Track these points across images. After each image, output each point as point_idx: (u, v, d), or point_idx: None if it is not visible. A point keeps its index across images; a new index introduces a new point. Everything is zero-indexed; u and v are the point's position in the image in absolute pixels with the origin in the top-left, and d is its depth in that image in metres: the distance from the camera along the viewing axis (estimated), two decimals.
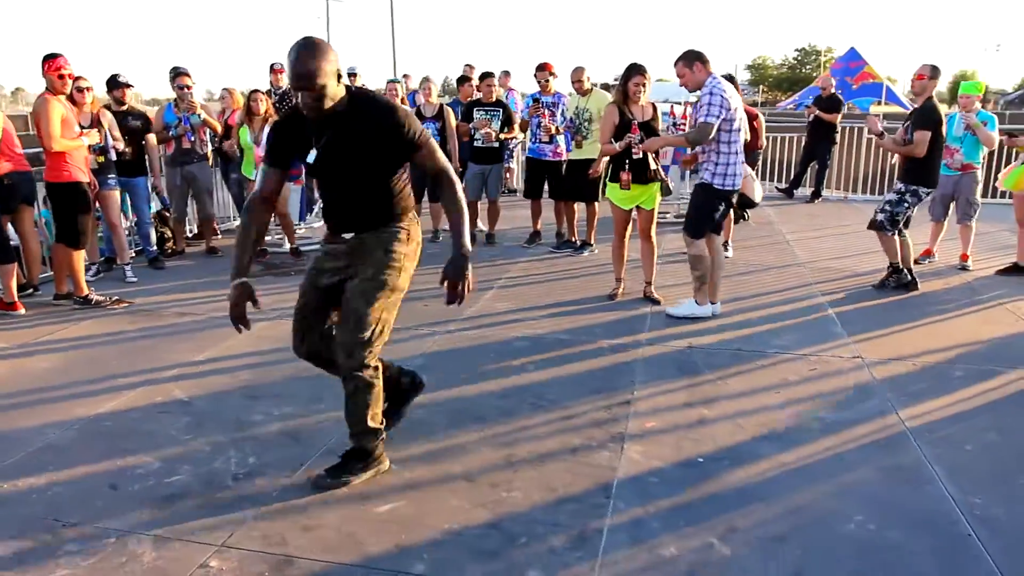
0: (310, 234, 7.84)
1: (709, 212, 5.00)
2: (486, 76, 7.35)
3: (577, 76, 6.76)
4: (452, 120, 7.43)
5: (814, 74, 61.40)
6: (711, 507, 2.85)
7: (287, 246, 7.31)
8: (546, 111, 7.06)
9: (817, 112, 9.87)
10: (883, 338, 4.75)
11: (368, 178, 2.88)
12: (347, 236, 2.97)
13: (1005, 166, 6.89)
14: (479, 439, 3.40)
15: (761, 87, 67.06)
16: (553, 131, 7.08)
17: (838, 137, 10.15)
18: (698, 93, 4.97)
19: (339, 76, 2.73)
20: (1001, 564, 2.49)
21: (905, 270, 5.73)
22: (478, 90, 7.88)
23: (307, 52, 2.63)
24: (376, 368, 2.96)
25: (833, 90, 10.17)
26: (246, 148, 6.66)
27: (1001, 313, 5.27)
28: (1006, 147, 6.91)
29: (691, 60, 4.82)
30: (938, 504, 2.87)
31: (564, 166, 7.13)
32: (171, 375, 4.16)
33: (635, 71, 5.16)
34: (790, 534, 2.68)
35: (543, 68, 7.04)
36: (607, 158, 5.44)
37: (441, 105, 7.48)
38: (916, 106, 5.71)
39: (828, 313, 5.28)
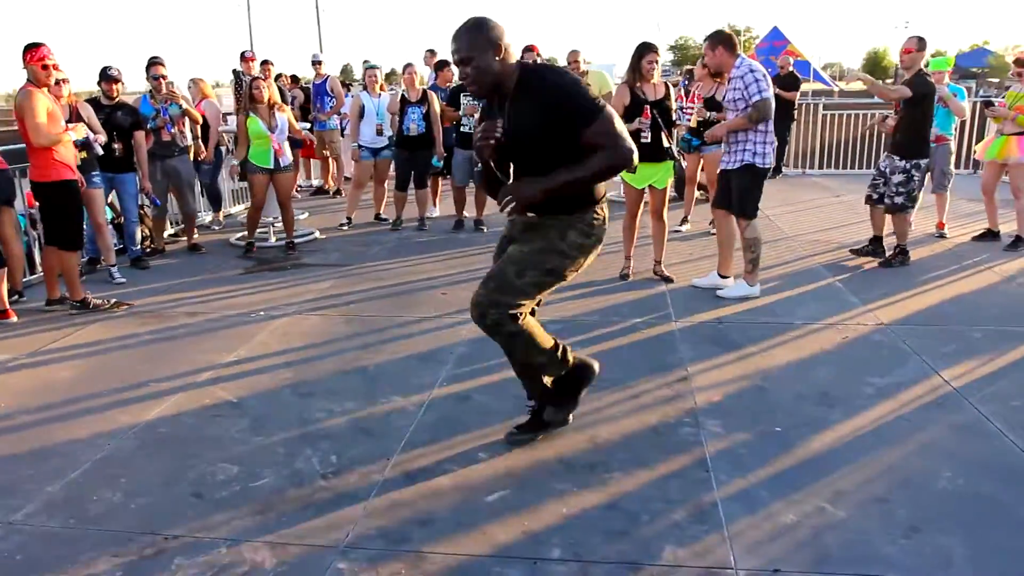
0: (308, 227, 7.59)
1: (757, 191, 5.04)
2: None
3: (573, 58, 6.78)
4: (436, 105, 7.34)
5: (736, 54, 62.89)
6: (808, 473, 2.93)
7: (272, 240, 7.09)
8: None
9: (777, 90, 10.12)
10: (896, 304, 4.96)
11: (541, 159, 2.76)
12: (531, 215, 2.90)
13: (976, 139, 7.26)
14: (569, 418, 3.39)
15: (684, 67, 68.30)
16: None
17: (796, 114, 10.48)
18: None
19: (503, 51, 2.71)
20: None
21: (873, 244, 6.02)
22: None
23: (463, 28, 2.71)
24: (516, 318, 2.86)
25: (791, 68, 10.47)
26: (255, 137, 6.37)
27: (990, 276, 5.58)
28: (977, 118, 7.26)
29: (716, 43, 4.88)
30: (1013, 457, 3.03)
31: None
32: (208, 377, 3.99)
33: (648, 48, 5.20)
34: (891, 494, 2.78)
35: (530, 50, 7.02)
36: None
37: (425, 90, 7.36)
38: (907, 77, 5.87)
39: (834, 283, 5.48)
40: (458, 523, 2.66)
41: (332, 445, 3.24)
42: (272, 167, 6.47)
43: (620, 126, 2.72)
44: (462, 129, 7.30)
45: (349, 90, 11.23)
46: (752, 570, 2.38)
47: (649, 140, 5.15)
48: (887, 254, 5.95)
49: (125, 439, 3.33)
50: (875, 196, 6.05)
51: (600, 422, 3.39)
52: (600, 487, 2.87)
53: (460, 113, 7.21)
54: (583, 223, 2.90)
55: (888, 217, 5.98)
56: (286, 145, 6.62)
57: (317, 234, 7.35)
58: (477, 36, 2.70)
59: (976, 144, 7.63)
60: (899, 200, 5.82)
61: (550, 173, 2.71)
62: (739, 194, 5.07)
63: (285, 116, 6.66)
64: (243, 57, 7.83)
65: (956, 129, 6.70)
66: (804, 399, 3.59)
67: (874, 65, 64.18)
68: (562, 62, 7.87)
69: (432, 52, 10.40)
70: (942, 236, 6.72)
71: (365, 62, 11.09)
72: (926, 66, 5.77)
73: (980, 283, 5.43)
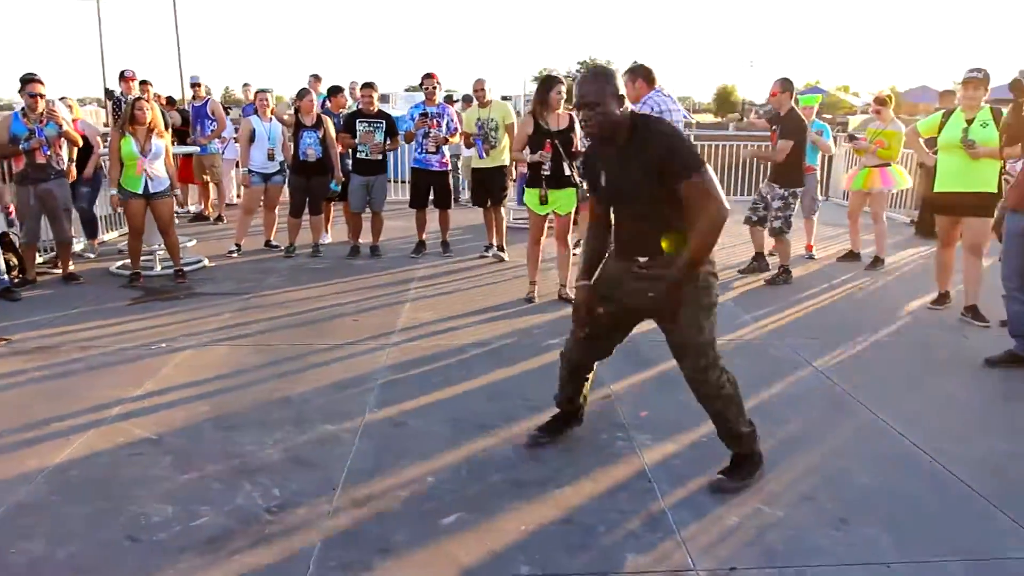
0: (195, 255, 7.20)
1: None
2: (366, 86, 7.24)
3: (479, 86, 6.90)
4: (332, 130, 7.25)
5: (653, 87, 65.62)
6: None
7: (158, 268, 6.71)
8: (434, 121, 7.10)
9: None
10: (784, 319, 5.38)
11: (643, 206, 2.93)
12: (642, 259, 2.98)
13: (829, 170, 7.99)
14: (497, 443, 3.44)
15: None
16: (442, 141, 7.13)
17: None
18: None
19: (623, 101, 2.86)
20: (978, 488, 3.00)
21: (757, 260, 6.53)
22: (355, 99, 7.73)
23: (594, 74, 2.89)
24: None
25: None
26: (127, 159, 6.01)
27: (860, 294, 6.16)
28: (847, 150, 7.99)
29: (636, 75, 5.19)
30: (911, 452, 3.37)
31: (467, 174, 7.24)
32: (117, 413, 3.74)
33: (556, 81, 5.42)
34: (817, 492, 3.03)
35: (430, 77, 7.08)
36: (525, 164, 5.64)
37: (320, 115, 7.25)
38: (781, 114, 6.41)
39: (726, 302, 5.85)
40: (420, 548, 2.64)
41: (271, 478, 3.12)
42: (143, 192, 6.13)
43: (717, 182, 2.85)
44: (358, 155, 7.24)
45: (229, 113, 10.86)
46: (710, 570, 2.52)
47: (549, 172, 5.37)
48: (773, 273, 6.43)
49: (36, 484, 3.05)
50: (755, 218, 6.56)
51: (543, 443, 3.46)
52: (553, 503, 2.94)
53: (356, 141, 7.15)
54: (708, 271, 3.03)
55: (767, 235, 6.51)
56: (161, 169, 6.24)
57: (206, 262, 7.03)
58: (607, 85, 2.83)
59: (846, 173, 8.43)
60: (777, 224, 6.35)
61: (652, 222, 2.91)
62: None
63: (163, 143, 6.31)
64: (123, 76, 7.41)
65: (821, 160, 7.37)
66: None
67: (723, 100, 68.96)
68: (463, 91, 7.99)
69: (317, 77, 10.27)
70: (811, 257, 7.34)
71: (245, 85, 10.83)
72: (796, 103, 6.34)
73: (851, 298, 5.99)
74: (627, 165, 2.88)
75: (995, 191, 5.18)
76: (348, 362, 4.50)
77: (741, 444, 3.10)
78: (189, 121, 9.37)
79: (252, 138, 7.47)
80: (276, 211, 7.89)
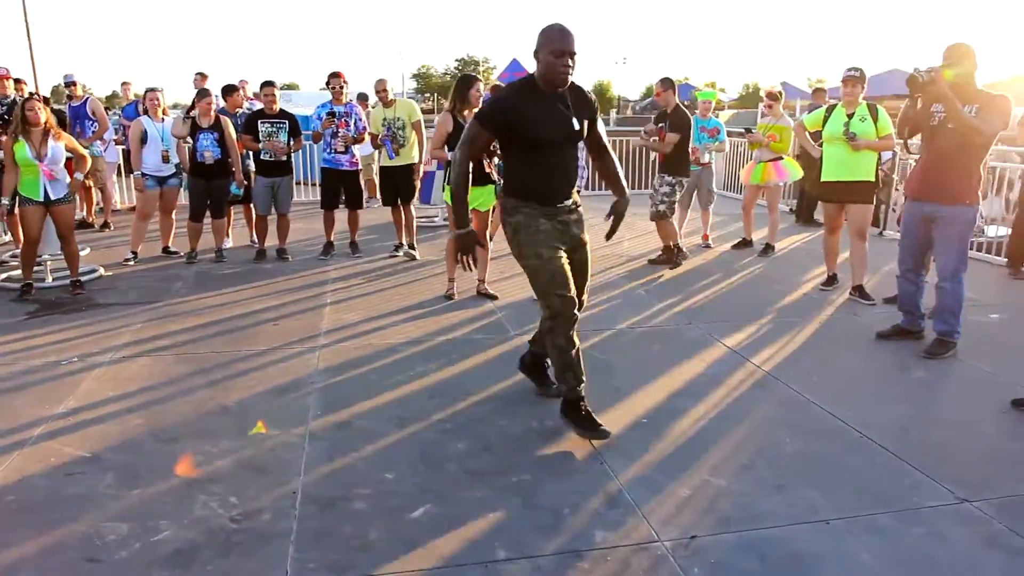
0: (88, 265, 6.78)
1: None
2: (267, 85, 7.06)
3: (381, 87, 6.86)
4: (231, 130, 7.02)
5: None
6: (684, 454, 3.35)
7: (50, 280, 6.30)
8: (342, 120, 7.02)
9: None
10: (694, 305, 5.71)
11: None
12: (568, 203, 3.54)
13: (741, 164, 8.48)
14: (446, 437, 3.50)
15: (425, 95, 70.22)
16: (351, 141, 7.06)
17: None
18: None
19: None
20: (890, 447, 3.36)
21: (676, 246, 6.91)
22: (256, 99, 7.51)
23: (568, 30, 3.28)
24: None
25: None
26: (23, 165, 5.62)
27: (757, 279, 6.61)
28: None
29: (666, 86, 5.46)
30: (827, 420, 3.71)
31: (377, 173, 7.19)
32: (42, 433, 3.54)
33: (475, 79, 5.51)
34: (754, 461, 3.28)
35: (336, 76, 6.99)
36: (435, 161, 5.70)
37: (218, 115, 7.00)
38: (668, 111, 6.80)
39: (636, 289, 6.15)
40: (397, 542, 2.69)
41: (226, 487, 3.06)
42: (43, 199, 5.78)
43: None
44: (262, 157, 7.05)
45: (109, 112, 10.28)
46: (674, 539, 2.70)
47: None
48: (661, 255, 6.85)
49: None
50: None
51: (490, 433, 3.56)
52: (514, 490, 3.04)
53: (260, 145, 6.96)
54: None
55: (678, 222, 6.90)
56: (62, 173, 5.93)
57: (102, 271, 6.66)
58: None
59: (742, 168, 8.97)
60: (662, 208, 6.75)
61: (572, 166, 3.53)
62: None
63: (62, 144, 5.97)
64: None
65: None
66: (654, 392, 4.06)
67: (599, 96, 70.83)
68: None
69: (203, 75, 9.88)
70: (707, 246, 7.78)
71: (124, 83, 10.27)
72: (694, 100, 6.75)
73: (749, 283, 6.42)
74: (576, 113, 3.38)
75: (874, 179, 5.71)
76: (280, 367, 4.42)
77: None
78: (66, 122, 8.77)
79: (144, 139, 7.12)
80: (173, 215, 7.55)
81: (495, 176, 5.77)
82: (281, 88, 7.15)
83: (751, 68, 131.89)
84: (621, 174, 3.69)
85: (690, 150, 6.91)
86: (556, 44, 3.21)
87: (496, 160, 5.51)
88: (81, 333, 5.04)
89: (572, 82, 3.34)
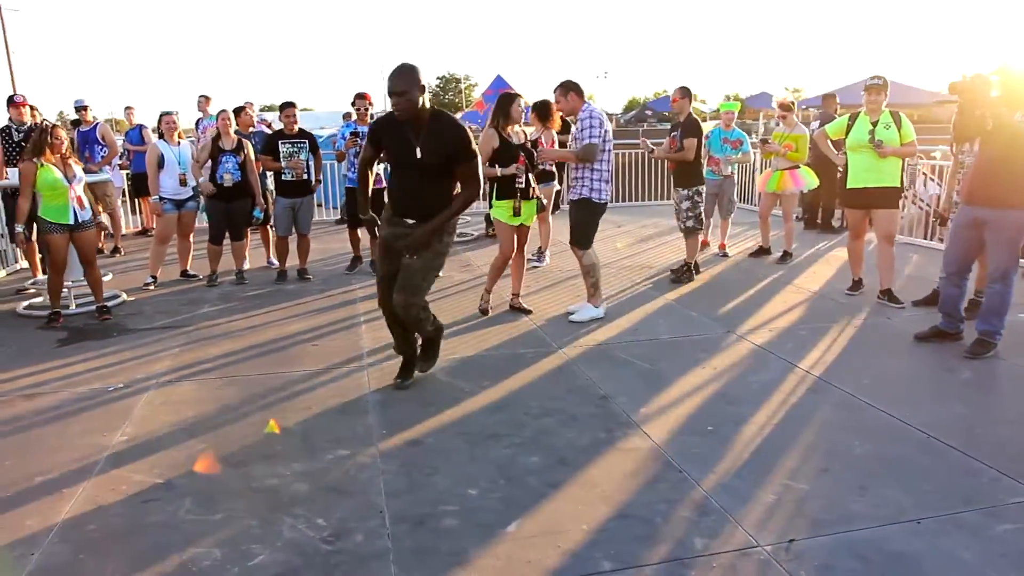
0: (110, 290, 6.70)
1: (592, 223, 5.56)
2: (288, 106, 7.06)
3: (361, 104, 6.94)
4: (252, 153, 7.01)
5: (456, 100, 66.32)
6: (758, 460, 3.37)
7: (73, 307, 6.23)
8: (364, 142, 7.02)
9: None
10: (727, 314, 5.76)
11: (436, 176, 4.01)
12: (410, 221, 4.04)
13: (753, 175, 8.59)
14: (517, 452, 3.49)
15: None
16: None
17: None
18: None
19: (423, 89, 3.84)
20: (959, 447, 3.40)
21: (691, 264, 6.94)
22: (262, 124, 7.49)
23: (400, 69, 3.84)
24: (426, 307, 4.31)
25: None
26: (51, 190, 5.59)
27: (782, 286, 6.67)
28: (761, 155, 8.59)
29: (567, 89, 5.36)
30: (886, 421, 3.75)
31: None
32: (106, 460, 3.48)
33: (516, 96, 5.57)
34: (829, 464, 3.31)
35: (362, 97, 7.02)
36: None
37: (240, 138, 6.99)
38: (681, 120, 6.87)
39: (670, 301, 6.19)
40: (496, 557, 2.68)
41: (309, 509, 3.03)
42: (72, 223, 5.75)
43: (482, 170, 4.13)
44: (284, 178, 7.04)
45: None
46: (774, 544, 2.71)
47: (523, 184, 5.48)
48: (678, 270, 6.86)
49: (51, 545, 2.81)
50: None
51: (558, 444, 3.56)
52: (601, 501, 3.04)
53: (282, 164, 6.96)
54: (451, 226, 4.20)
55: (697, 239, 6.93)
56: (85, 198, 5.91)
57: (125, 296, 6.59)
58: (412, 78, 3.80)
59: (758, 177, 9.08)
60: (690, 224, 6.78)
61: (423, 190, 4.01)
62: (574, 225, 5.66)
63: (80, 168, 5.98)
64: (11, 102, 6.81)
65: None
66: (712, 400, 4.08)
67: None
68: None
69: (207, 98, 9.90)
70: (725, 255, 7.85)
71: (127, 108, 10.21)
72: (716, 110, 6.81)
73: (775, 290, 6.48)
74: (426, 141, 3.88)
75: (899, 185, 5.80)
76: (332, 387, 4.40)
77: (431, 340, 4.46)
78: (74, 147, 8.71)
79: (161, 164, 7.08)
80: (191, 238, 7.51)
81: (537, 192, 5.80)
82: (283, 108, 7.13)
83: (730, 79, 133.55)
84: (453, 209, 4.05)
85: (710, 160, 6.98)
86: (388, 86, 3.83)
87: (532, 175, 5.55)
88: (119, 359, 4.98)
89: (440, 116, 3.98)
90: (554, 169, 7.64)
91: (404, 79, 3.79)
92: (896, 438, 3.57)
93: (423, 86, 3.84)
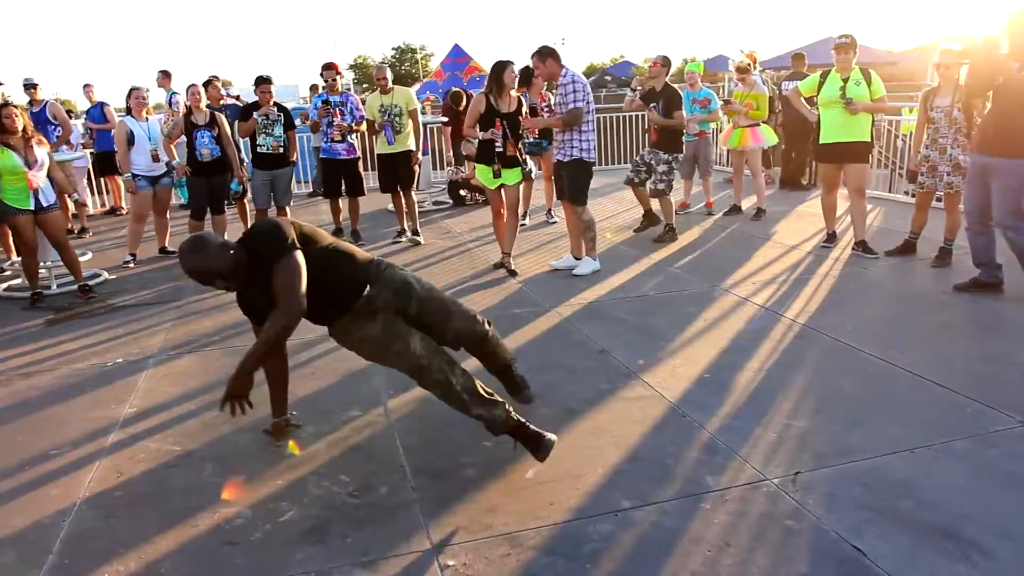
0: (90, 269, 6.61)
1: (586, 181, 5.66)
2: (263, 82, 6.97)
3: (381, 75, 6.89)
4: (227, 126, 6.94)
5: (413, 70, 65.31)
6: (756, 402, 3.52)
7: (55, 287, 6.15)
8: (337, 110, 7.00)
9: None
10: (710, 270, 5.91)
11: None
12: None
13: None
14: (528, 405, 3.60)
15: (364, 86, 69.19)
16: (347, 129, 7.05)
17: None
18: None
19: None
20: (943, 383, 3.60)
21: (647, 217, 7.08)
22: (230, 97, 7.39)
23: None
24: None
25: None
26: (8, 174, 5.47)
27: (759, 241, 6.86)
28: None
29: (544, 56, 5.41)
30: (874, 363, 3.94)
31: (373, 161, 7.23)
32: (120, 432, 3.51)
33: (509, 63, 5.60)
34: (823, 404, 3.48)
35: (330, 67, 6.97)
36: (476, 140, 5.78)
37: (212, 112, 6.90)
38: (657, 88, 6.96)
39: (655, 261, 6.33)
40: (522, 501, 2.79)
41: (331, 467, 3.11)
42: (34, 208, 5.64)
43: (303, 278, 2.90)
44: (259, 151, 6.99)
45: (72, 116, 10.00)
46: (781, 477, 2.87)
47: (502, 148, 5.55)
48: (660, 232, 6.97)
49: (80, 513, 2.86)
50: (636, 180, 7.06)
51: (564, 397, 3.68)
52: (612, 446, 3.17)
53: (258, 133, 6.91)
54: (361, 305, 3.10)
55: (684, 192, 7.07)
56: (45, 181, 5.77)
57: (106, 275, 6.52)
58: (211, 261, 2.96)
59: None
60: (661, 187, 6.90)
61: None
62: (571, 183, 5.73)
63: (45, 149, 5.85)
64: None
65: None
66: (705, 350, 4.23)
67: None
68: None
69: (166, 74, 9.74)
70: (710, 214, 8.03)
71: (86, 85, 9.96)
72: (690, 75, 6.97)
73: (752, 246, 6.66)
74: (257, 292, 3.05)
75: (870, 140, 5.99)
76: (334, 355, 4.42)
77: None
78: None
79: (131, 141, 6.96)
80: (168, 215, 7.42)
81: (521, 158, 5.86)
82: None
83: (687, 43, 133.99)
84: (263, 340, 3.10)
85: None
86: None
87: (523, 143, 5.62)
88: (112, 335, 4.97)
89: None
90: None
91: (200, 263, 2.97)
92: (883, 378, 3.76)
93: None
